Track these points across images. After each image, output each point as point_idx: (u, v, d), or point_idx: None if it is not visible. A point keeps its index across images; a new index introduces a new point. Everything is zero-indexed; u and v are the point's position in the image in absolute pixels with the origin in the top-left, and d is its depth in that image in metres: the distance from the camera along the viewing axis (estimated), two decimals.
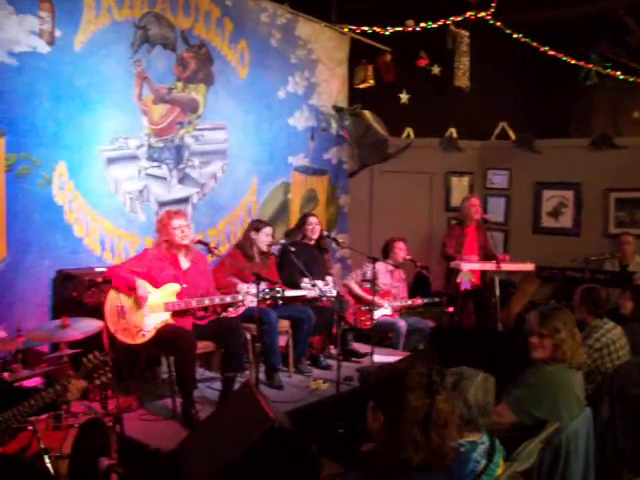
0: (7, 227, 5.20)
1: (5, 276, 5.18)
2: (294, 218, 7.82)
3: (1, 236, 5.19)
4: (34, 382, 4.29)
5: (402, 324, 6.60)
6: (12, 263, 5.23)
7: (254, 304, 5.14)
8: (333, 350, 6.37)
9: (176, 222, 5.01)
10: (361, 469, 2.35)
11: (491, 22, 8.72)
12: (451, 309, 7.10)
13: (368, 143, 8.30)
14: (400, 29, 8.54)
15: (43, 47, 5.33)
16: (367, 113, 8.28)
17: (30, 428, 3.41)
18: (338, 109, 8.38)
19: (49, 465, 3.16)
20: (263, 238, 5.83)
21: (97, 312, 4.78)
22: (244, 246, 5.88)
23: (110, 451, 3.72)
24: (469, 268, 7.06)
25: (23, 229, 5.29)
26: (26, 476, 2.83)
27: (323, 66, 8.28)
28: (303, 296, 5.91)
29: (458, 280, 7.06)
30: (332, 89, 8.46)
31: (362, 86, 8.76)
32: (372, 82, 8.71)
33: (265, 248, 5.84)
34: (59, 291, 5.46)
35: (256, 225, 5.95)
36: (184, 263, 5.12)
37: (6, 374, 4.07)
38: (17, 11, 5.14)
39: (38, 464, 3.09)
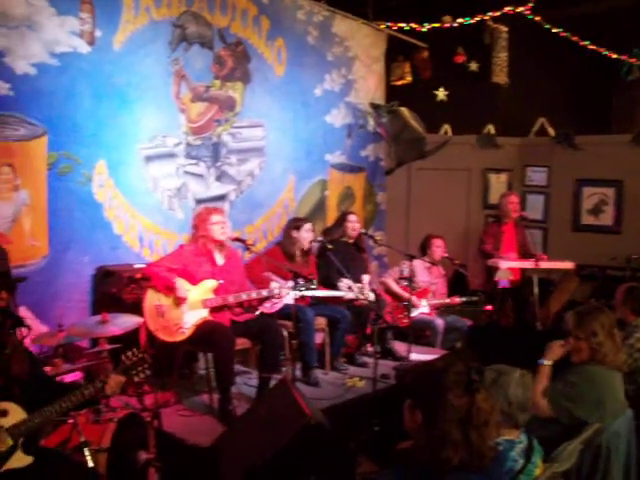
0: (49, 224, 5.29)
1: (47, 272, 5.27)
2: (331, 216, 7.82)
3: (43, 233, 5.28)
4: (74, 376, 4.36)
5: (439, 322, 6.55)
6: (54, 259, 5.32)
7: (291, 302, 5.16)
8: (370, 348, 6.35)
9: (215, 218, 5.03)
10: (397, 467, 2.33)
11: (530, 17, 8.61)
12: (489, 307, 7.01)
13: (405, 140, 8.25)
14: (437, 25, 8.49)
15: (83, 47, 5.41)
16: (404, 110, 8.24)
17: (71, 422, 3.48)
18: (375, 106, 8.36)
19: (89, 458, 3.20)
20: (304, 235, 5.81)
21: (136, 308, 4.83)
22: (285, 245, 5.87)
23: (148, 445, 3.76)
24: (507, 266, 6.98)
25: (64, 226, 5.38)
26: (67, 468, 2.87)
27: (360, 63, 8.26)
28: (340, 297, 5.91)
29: (496, 278, 6.99)
30: (369, 86, 8.44)
31: (399, 83, 8.73)
32: (409, 79, 8.67)
33: (307, 245, 5.82)
34: (99, 287, 5.54)
35: (296, 223, 5.93)
36: (219, 259, 5.15)
37: (48, 368, 4.14)
38: (59, 12, 5.23)
39: (78, 457, 3.14)
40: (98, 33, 5.50)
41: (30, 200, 5.16)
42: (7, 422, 2.57)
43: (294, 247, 5.79)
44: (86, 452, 3.23)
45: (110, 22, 5.60)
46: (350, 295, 5.82)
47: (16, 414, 2.62)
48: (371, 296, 5.87)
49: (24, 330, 2.70)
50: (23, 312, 4.89)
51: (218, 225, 5.03)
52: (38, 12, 5.11)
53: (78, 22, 5.37)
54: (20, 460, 2.60)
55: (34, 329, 4.88)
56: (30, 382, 2.78)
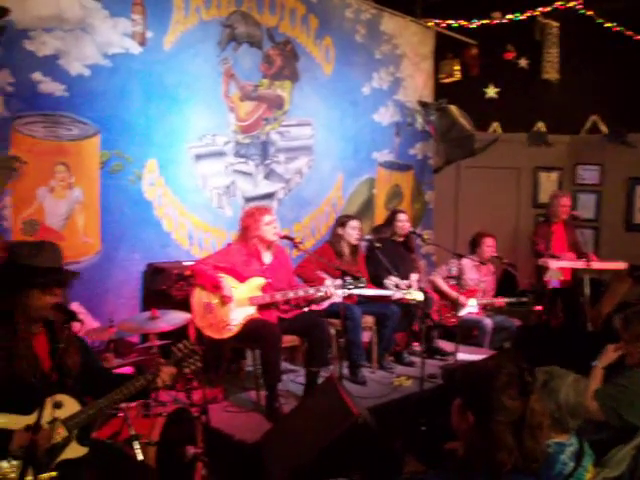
0: (101, 221, 5.41)
1: (99, 268, 5.38)
2: (379, 214, 7.81)
3: (96, 230, 5.39)
4: (125, 371, 4.43)
5: (488, 322, 6.48)
6: (105, 256, 5.43)
7: (339, 300, 5.16)
8: (417, 347, 6.32)
9: (267, 218, 5.05)
10: (445, 468, 2.31)
11: (582, 11, 8.45)
12: (539, 307, 6.91)
13: (454, 138, 8.19)
14: (486, 22, 8.41)
15: (135, 48, 5.51)
16: (453, 108, 8.18)
17: (121, 415, 3.55)
18: (423, 104, 8.31)
19: (139, 451, 3.26)
20: (350, 232, 5.81)
21: (185, 305, 4.89)
22: (333, 243, 5.88)
23: (196, 440, 3.81)
24: (558, 266, 6.87)
25: (116, 223, 5.49)
26: (119, 460, 2.93)
27: (408, 61, 8.23)
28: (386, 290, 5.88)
29: (546, 278, 6.88)
30: (417, 84, 8.39)
31: (448, 80, 8.66)
32: (458, 76, 8.60)
33: (355, 241, 5.81)
34: (149, 284, 5.63)
35: (342, 220, 5.93)
36: (267, 257, 5.17)
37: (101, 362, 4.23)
38: (111, 14, 5.34)
39: (128, 450, 3.19)
40: (149, 34, 5.59)
41: (83, 198, 5.28)
42: (62, 414, 2.62)
43: (342, 244, 5.79)
44: (136, 445, 3.28)
45: (161, 23, 5.69)
46: (398, 295, 5.78)
47: (70, 406, 2.68)
48: (418, 294, 5.82)
49: (77, 325, 2.75)
50: (76, 307, 5.01)
51: (270, 225, 5.05)
52: (91, 15, 5.22)
53: (130, 23, 5.47)
54: (75, 451, 2.66)
55: (86, 324, 5.00)
56: (84, 374, 2.84)
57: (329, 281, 5.26)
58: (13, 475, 2.42)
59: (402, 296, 5.72)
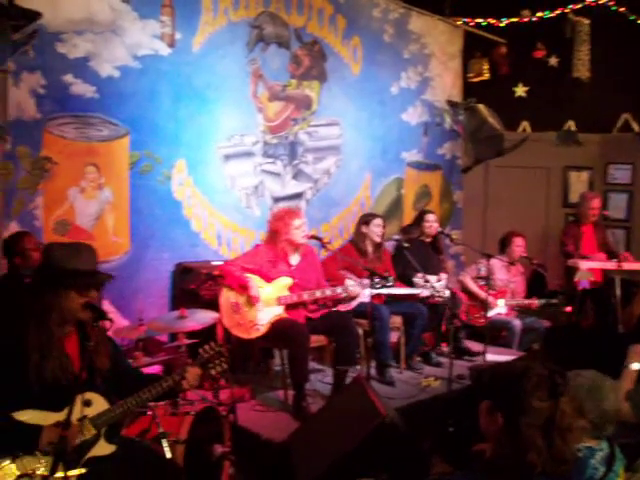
0: (130, 221, 5.47)
1: (128, 268, 5.43)
2: (407, 214, 7.79)
3: (125, 229, 5.45)
4: (154, 370, 4.48)
5: (517, 323, 6.43)
6: (135, 256, 5.49)
7: (366, 299, 5.15)
8: (445, 347, 6.29)
9: (297, 222, 5.04)
10: (472, 469, 2.29)
11: (613, 8, 8.33)
12: (569, 309, 6.83)
13: (483, 138, 8.13)
14: (516, 20, 8.33)
15: (164, 49, 5.56)
16: (482, 107, 8.12)
17: (150, 413, 3.58)
18: (452, 103, 8.27)
19: (167, 449, 3.29)
20: (374, 230, 5.79)
21: (213, 304, 4.92)
22: (356, 241, 5.87)
23: (224, 439, 3.83)
24: (588, 267, 6.79)
25: (145, 223, 5.54)
26: (147, 458, 2.95)
27: (436, 60, 8.19)
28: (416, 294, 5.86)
29: (576, 279, 6.80)
30: (446, 83, 8.35)
31: (477, 79, 8.59)
32: (487, 75, 8.53)
33: (378, 239, 5.79)
34: (178, 283, 5.68)
35: (365, 218, 5.91)
36: (295, 258, 5.17)
37: (130, 360, 4.27)
38: (141, 16, 5.39)
39: (156, 447, 3.22)
40: (178, 35, 5.64)
41: (113, 198, 5.34)
42: (91, 412, 2.66)
43: (365, 243, 5.77)
44: (164, 443, 3.31)
45: (189, 24, 5.73)
46: (425, 292, 5.74)
47: (99, 404, 2.71)
48: (446, 293, 5.79)
49: (107, 323, 2.79)
50: (106, 306, 5.07)
51: (300, 229, 5.05)
52: (121, 17, 5.28)
53: (159, 25, 5.52)
54: (103, 448, 2.69)
55: (116, 323, 5.05)
56: (113, 373, 2.87)
57: (351, 281, 5.23)
58: (43, 471, 2.46)
59: (431, 292, 5.68)
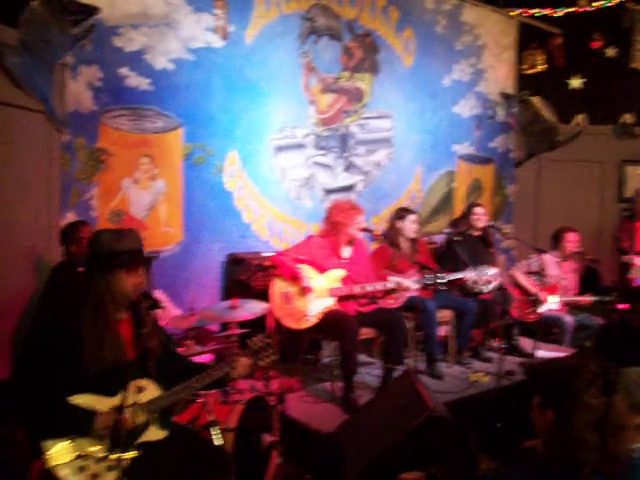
0: (183, 212, 5.55)
1: (181, 258, 5.53)
2: (458, 208, 7.72)
3: (178, 220, 5.54)
4: (205, 359, 4.53)
5: (569, 320, 6.31)
6: (187, 246, 5.58)
7: (415, 293, 5.13)
8: (495, 343, 6.23)
9: (360, 219, 5.02)
10: (521, 466, 2.26)
11: None
12: (623, 306, 6.68)
13: (536, 131, 8.03)
14: (572, 10, 8.17)
15: (217, 42, 5.63)
16: (536, 99, 8.01)
17: (200, 401, 3.63)
18: (505, 96, 8.17)
19: (217, 437, 3.33)
20: (409, 225, 5.71)
21: (264, 295, 4.95)
22: (390, 236, 5.78)
23: (272, 428, 3.86)
24: None
25: (197, 214, 5.63)
26: (198, 445, 3.00)
27: (490, 52, 8.09)
28: (464, 287, 5.80)
29: (631, 276, 6.66)
30: (499, 75, 8.24)
31: (531, 71, 8.47)
32: (542, 67, 8.39)
33: (413, 235, 5.72)
34: (229, 274, 5.75)
35: (400, 214, 5.80)
36: (347, 251, 5.16)
37: (180, 349, 4.33)
38: (195, 10, 5.47)
39: (206, 435, 3.27)
40: (231, 28, 5.70)
41: (166, 189, 5.43)
42: (143, 398, 2.71)
43: (398, 238, 5.70)
44: (214, 431, 3.36)
45: (242, 17, 5.78)
46: (474, 277, 5.63)
47: (151, 390, 2.76)
48: (497, 289, 5.72)
49: (159, 312, 2.84)
50: (158, 295, 5.15)
51: (360, 226, 5.06)
52: (176, 10, 5.37)
53: (212, 18, 5.59)
54: (155, 434, 2.74)
55: (168, 312, 5.15)
56: (165, 361, 2.92)
57: (396, 279, 5.17)
58: (98, 453, 2.53)
59: (480, 290, 5.61)
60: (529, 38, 8.42)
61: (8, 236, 4.37)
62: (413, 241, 5.76)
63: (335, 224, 5.06)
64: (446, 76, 7.63)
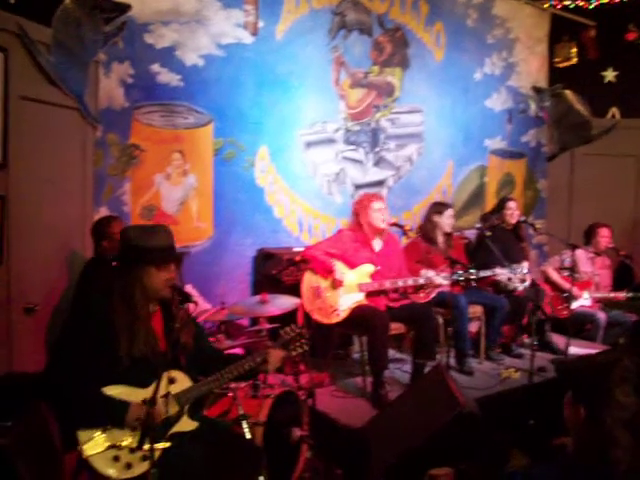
0: (214, 207, 5.59)
1: (212, 253, 5.56)
2: (490, 202, 7.66)
3: (209, 215, 5.58)
4: (235, 353, 4.56)
5: (602, 316, 6.25)
6: (218, 241, 5.61)
7: (446, 289, 5.11)
8: (526, 339, 6.18)
9: (376, 205, 5.04)
10: (552, 463, 2.24)
11: None
12: None
13: (569, 125, 7.92)
14: (605, 1, 8.03)
15: (247, 38, 5.65)
16: (569, 93, 7.91)
17: (231, 395, 3.66)
18: (538, 90, 8.08)
19: (247, 430, 3.36)
20: (446, 220, 5.69)
21: (294, 290, 4.97)
22: (426, 230, 5.77)
23: (302, 423, 3.88)
24: None
25: (228, 209, 5.66)
26: (228, 437, 3.02)
27: (522, 45, 8.00)
28: (497, 284, 5.75)
29: None
30: (531, 69, 8.15)
31: (564, 64, 8.33)
32: (575, 60, 8.27)
33: (448, 229, 5.71)
34: (259, 269, 5.77)
35: (438, 208, 5.78)
36: (377, 245, 5.16)
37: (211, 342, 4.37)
38: (225, 6, 5.50)
39: (237, 428, 3.29)
40: (261, 24, 5.71)
41: (197, 184, 5.47)
42: (175, 389, 2.75)
43: (434, 232, 5.68)
44: (244, 424, 3.38)
45: (272, 13, 5.80)
46: (506, 275, 5.60)
47: (183, 382, 2.80)
48: (529, 284, 5.67)
49: (191, 306, 2.87)
50: (189, 290, 5.20)
51: (379, 212, 5.04)
52: (206, 7, 5.40)
53: (242, 14, 5.61)
54: (186, 425, 2.78)
55: (199, 306, 5.18)
56: (197, 353, 2.95)
57: (429, 273, 5.15)
58: (130, 443, 2.57)
59: (512, 287, 5.56)
60: (562, 30, 8.29)
61: (43, 231, 4.43)
62: (448, 236, 5.74)
63: (355, 215, 5.14)
64: (477, 70, 7.56)
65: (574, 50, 8.23)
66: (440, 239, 5.69)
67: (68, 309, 4.37)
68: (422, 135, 7.08)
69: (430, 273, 5.09)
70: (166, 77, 5.20)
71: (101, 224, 4.51)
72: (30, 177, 4.30)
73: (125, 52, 4.95)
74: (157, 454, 2.53)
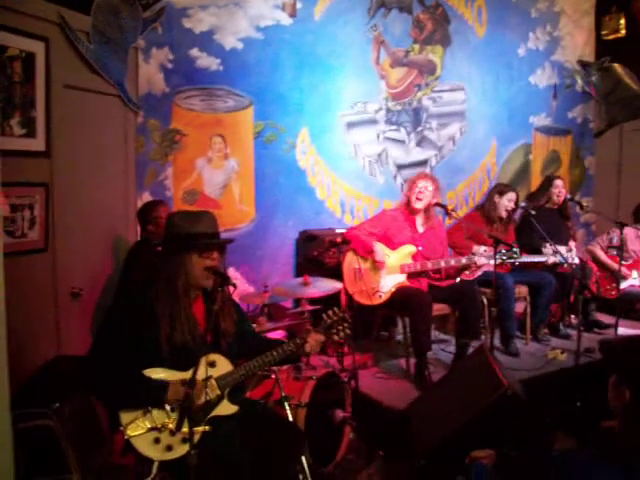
0: (256, 190, 5.60)
1: (254, 235, 5.60)
2: (535, 181, 7.54)
3: (251, 198, 5.60)
4: (277, 335, 4.60)
5: None
6: (260, 223, 5.64)
7: (491, 268, 5.04)
8: (574, 319, 6.08)
9: (421, 183, 5.01)
10: (599, 447, 2.20)
11: None
12: None
13: (618, 99, 7.73)
14: None
15: (286, 20, 5.62)
16: (617, 66, 7.70)
17: (273, 377, 3.68)
18: (584, 64, 7.89)
19: (289, 412, 3.38)
20: (505, 203, 5.62)
21: (336, 272, 4.98)
22: (485, 209, 5.74)
23: (345, 404, 3.89)
24: None
25: (270, 192, 5.68)
26: (269, 420, 3.04)
27: (567, 18, 7.80)
28: (542, 262, 5.67)
29: None
30: (577, 43, 7.95)
31: (612, 37, 8.10)
32: (623, 32, 8.02)
33: (504, 214, 5.64)
34: (302, 251, 5.78)
35: (500, 189, 5.74)
36: (421, 226, 5.13)
37: (253, 325, 4.40)
38: None
39: (279, 410, 3.31)
40: (299, 5, 5.68)
41: (239, 167, 5.49)
42: (215, 372, 2.77)
43: (495, 212, 5.64)
44: (287, 406, 3.40)
45: None
46: (553, 259, 5.53)
47: (223, 365, 2.82)
48: (576, 260, 5.58)
49: (230, 288, 2.87)
50: (232, 273, 5.25)
51: (420, 191, 4.99)
52: None
53: None
54: (227, 408, 2.80)
55: (242, 289, 5.23)
56: (237, 336, 2.96)
57: (481, 248, 5.12)
58: (171, 425, 2.60)
59: (561, 259, 5.47)
60: (609, 1, 8.05)
61: (87, 217, 4.50)
62: (507, 218, 5.67)
63: (404, 195, 5.15)
64: (521, 45, 7.40)
65: (622, 22, 7.98)
66: (498, 219, 5.63)
67: (114, 293, 4.45)
68: (465, 113, 6.98)
69: (482, 249, 5.05)
70: (205, 61, 5.22)
71: (147, 208, 4.57)
72: (73, 164, 4.37)
73: (164, 37, 4.97)
74: (197, 437, 2.56)
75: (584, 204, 6.45)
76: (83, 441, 3.32)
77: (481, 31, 7.00)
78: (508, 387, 3.41)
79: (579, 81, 7.87)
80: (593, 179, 8.42)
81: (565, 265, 5.51)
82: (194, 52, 5.15)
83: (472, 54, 6.96)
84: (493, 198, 5.69)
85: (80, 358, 3.75)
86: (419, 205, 5.01)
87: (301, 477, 3.11)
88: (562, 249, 5.60)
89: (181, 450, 2.58)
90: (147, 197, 4.94)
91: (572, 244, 5.91)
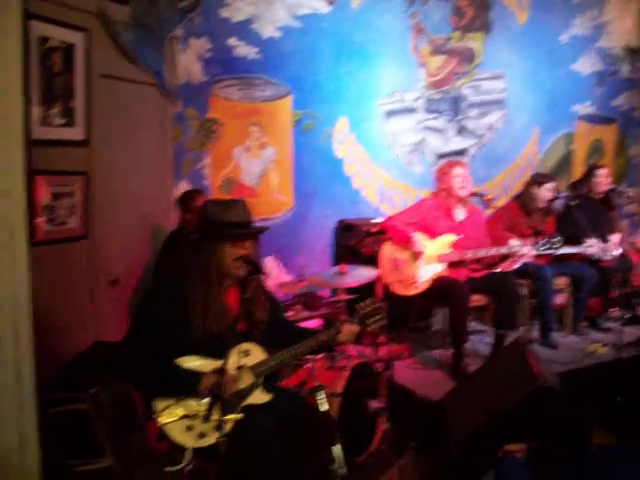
0: (294, 179, 5.62)
1: (292, 224, 5.62)
2: (577, 171, 7.39)
3: (288, 187, 5.61)
4: (313, 323, 4.60)
5: None
6: (298, 212, 5.66)
7: (530, 259, 4.97)
8: (615, 312, 5.96)
9: (456, 171, 4.93)
10: (631, 445, 2.15)
11: None
12: None
13: None
14: None
15: (323, 8, 5.61)
16: None
17: (308, 366, 3.69)
18: (631, 50, 7.69)
19: (322, 401, 3.37)
20: (544, 193, 5.50)
21: (373, 261, 4.96)
22: (524, 199, 5.63)
23: (379, 395, 3.88)
24: None
25: (307, 181, 5.69)
26: (302, 409, 3.04)
27: (613, 3, 7.57)
28: (582, 253, 5.57)
29: None
30: (624, 28, 7.74)
31: None
32: None
33: (542, 204, 5.53)
34: (338, 240, 5.79)
35: (538, 179, 5.61)
36: (459, 215, 5.05)
37: (290, 314, 4.42)
38: None
39: (312, 400, 3.31)
40: None
41: (276, 156, 5.51)
42: (249, 361, 2.78)
43: (532, 203, 5.53)
44: (320, 395, 3.40)
45: None
46: (594, 249, 5.42)
47: (257, 354, 2.83)
48: (618, 251, 5.46)
49: (261, 277, 2.88)
50: (269, 262, 5.27)
51: (459, 178, 4.92)
52: None
53: None
54: (260, 397, 2.81)
55: (279, 278, 5.25)
56: (270, 325, 2.97)
57: (515, 241, 5.03)
58: (203, 413, 2.62)
59: (599, 256, 5.38)
60: None
61: (125, 205, 4.55)
62: (546, 208, 5.57)
63: (437, 182, 5.06)
64: (564, 32, 7.23)
65: None
66: (536, 210, 5.52)
67: (151, 281, 4.50)
68: (505, 102, 6.88)
69: (516, 242, 4.97)
70: (243, 50, 5.23)
71: (186, 197, 4.60)
72: (111, 153, 4.41)
73: (202, 27, 5.00)
74: (229, 425, 2.57)
75: (629, 194, 6.32)
76: (118, 426, 3.37)
77: (522, 17, 6.87)
78: (543, 380, 3.37)
79: (625, 68, 7.68)
80: (638, 169, 8.24)
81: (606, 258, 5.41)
82: (232, 41, 5.17)
83: (513, 41, 6.84)
84: (532, 190, 5.58)
85: (118, 345, 3.82)
86: (464, 192, 4.94)
87: (332, 467, 3.10)
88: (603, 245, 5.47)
89: (214, 438, 2.59)
90: (185, 186, 4.99)
91: (615, 236, 5.78)
